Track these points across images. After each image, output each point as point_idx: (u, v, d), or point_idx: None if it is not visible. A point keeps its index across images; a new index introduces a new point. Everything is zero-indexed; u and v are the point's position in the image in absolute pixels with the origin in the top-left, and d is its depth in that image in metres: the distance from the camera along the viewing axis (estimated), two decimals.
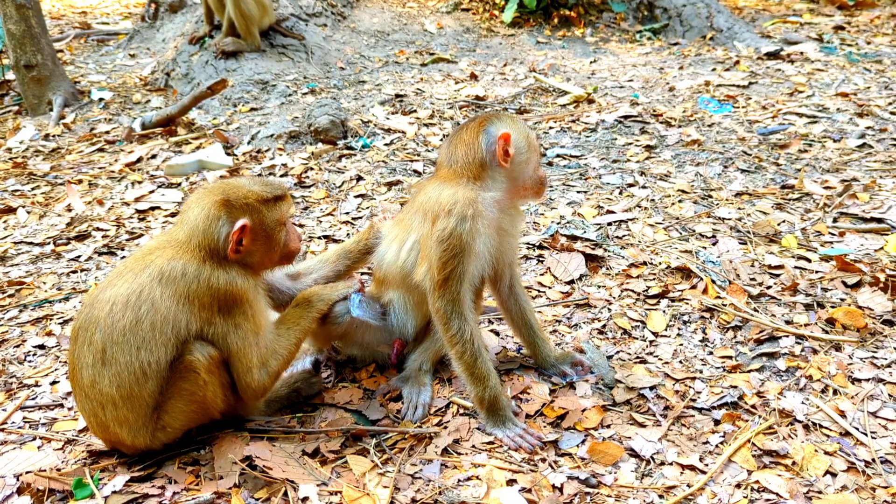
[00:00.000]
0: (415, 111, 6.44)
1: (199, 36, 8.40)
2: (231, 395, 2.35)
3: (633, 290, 3.28)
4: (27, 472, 2.27)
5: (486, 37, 10.02)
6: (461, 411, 2.54)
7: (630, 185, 4.50)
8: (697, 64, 8.01)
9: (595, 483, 2.15)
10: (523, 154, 2.45)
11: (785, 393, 2.54)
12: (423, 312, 2.64)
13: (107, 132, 6.63)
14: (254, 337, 2.27)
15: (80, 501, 2.16)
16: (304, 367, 2.80)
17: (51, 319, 3.41)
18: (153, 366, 2.15)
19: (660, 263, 3.48)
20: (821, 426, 2.37)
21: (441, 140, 5.65)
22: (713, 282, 3.26)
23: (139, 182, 5.26)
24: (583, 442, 2.34)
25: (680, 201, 4.22)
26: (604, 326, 3.04)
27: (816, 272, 3.31)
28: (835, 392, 2.54)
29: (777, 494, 2.08)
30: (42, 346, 3.19)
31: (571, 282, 3.41)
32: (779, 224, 3.84)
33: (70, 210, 4.84)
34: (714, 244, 3.66)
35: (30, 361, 3.09)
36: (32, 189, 5.34)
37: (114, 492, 2.17)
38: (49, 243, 4.32)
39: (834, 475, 2.16)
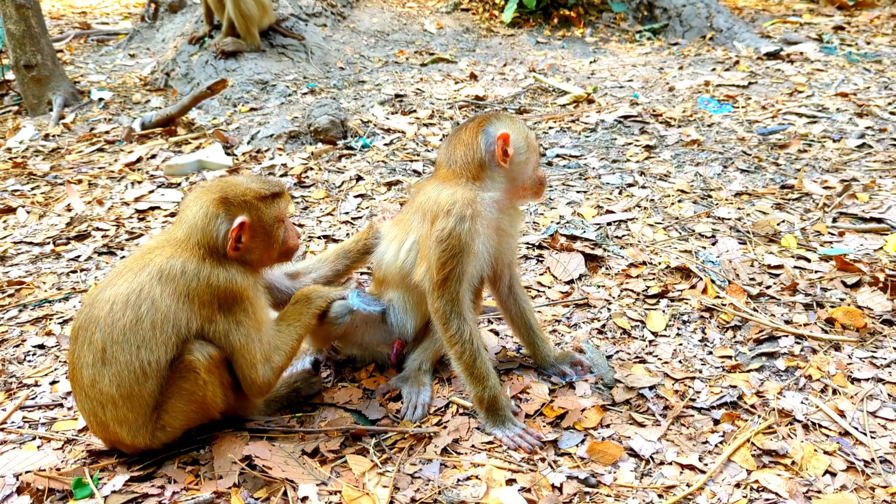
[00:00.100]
0: (414, 111, 6.44)
1: (199, 36, 8.40)
2: (231, 395, 2.35)
3: (632, 290, 3.28)
4: (27, 472, 2.27)
5: (486, 37, 10.02)
6: (461, 411, 2.54)
7: (630, 185, 4.50)
8: (697, 64, 8.01)
9: (594, 483, 2.15)
10: (522, 154, 2.45)
11: (784, 393, 2.54)
12: (423, 312, 2.64)
13: (107, 132, 6.63)
14: (256, 333, 2.27)
15: (79, 501, 2.16)
16: (303, 366, 2.80)
17: (50, 319, 3.41)
18: (153, 365, 2.15)
19: (659, 263, 3.48)
20: (820, 426, 2.38)
21: (440, 140, 5.65)
22: (713, 282, 3.26)
23: (139, 182, 5.26)
24: (582, 442, 2.34)
25: (679, 201, 4.22)
26: (603, 326, 3.04)
27: (816, 272, 3.31)
28: (834, 392, 2.54)
29: (776, 494, 2.08)
30: (42, 346, 3.19)
31: (571, 282, 3.41)
32: (778, 224, 3.84)
33: (70, 210, 4.84)
34: (714, 244, 3.66)
35: (29, 361, 3.09)
36: (32, 189, 5.35)
37: (113, 491, 2.17)
38: (49, 243, 4.32)
39: (833, 475, 2.16)
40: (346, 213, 4.43)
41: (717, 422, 2.42)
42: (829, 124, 5.49)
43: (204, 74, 7.75)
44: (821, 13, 10.38)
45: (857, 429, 2.34)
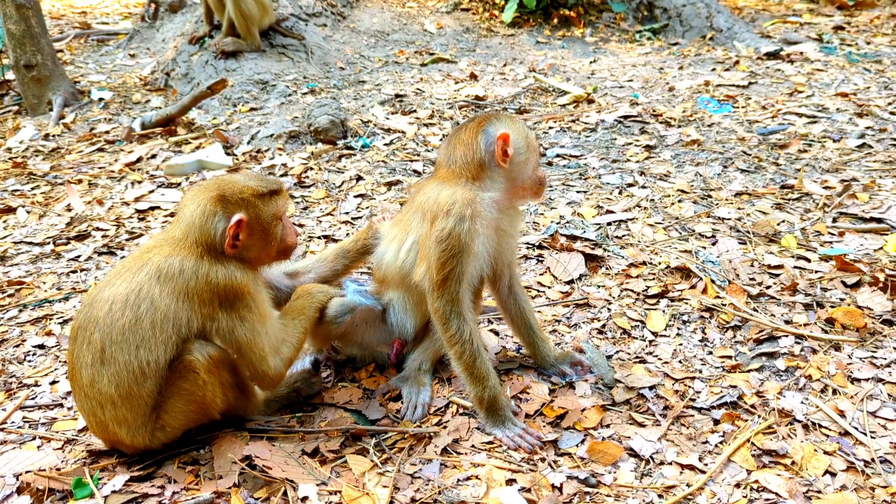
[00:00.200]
0: (414, 111, 6.44)
1: (199, 36, 8.40)
2: (231, 395, 2.35)
3: (632, 290, 3.28)
4: (27, 472, 2.27)
5: (486, 37, 10.02)
6: (461, 411, 2.54)
7: (630, 185, 4.50)
8: (697, 64, 8.01)
9: (594, 483, 2.15)
10: (522, 154, 2.45)
11: (784, 393, 2.54)
12: (423, 312, 2.64)
13: (107, 132, 6.63)
14: (261, 326, 2.28)
15: (79, 501, 2.16)
16: (303, 366, 2.80)
17: (50, 319, 3.41)
18: (152, 365, 2.15)
19: (659, 263, 3.48)
20: (820, 426, 2.38)
21: (440, 140, 5.65)
22: (713, 282, 3.26)
23: (139, 182, 5.26)
24: (582, 441, 2.34)
25: (679, 201, 4.22)
26: (603, 326, 3.04)
27: (816, 272, 3.31)
28: (834, 392, 2.54)
29: (776, 494, 2.08)
30: (42, 346, 3.19)
31: (571, 282, 3.41)
32: (778, 224, 3.84)
33: (70, 210, 4.84)
34: (714, 244, 3.66)
35: (29, 361, 3.09)
36: (32, 189, 5.35)
37: (113, 491, 2.17)
38: (49, 243, 4.32)
39: (833, 475, 2.16)
40: (346, 213, 4.43)
41: (717, 422, 2.42)
42: (829, 124, 5.49)
43: (204, 74, 7.75)
44: (821, 13, 10.38)
45: (857, 429, 2.34)
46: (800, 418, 2.40)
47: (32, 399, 2.79)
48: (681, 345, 2.88)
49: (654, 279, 3.36)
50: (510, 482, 2.17)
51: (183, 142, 6.08)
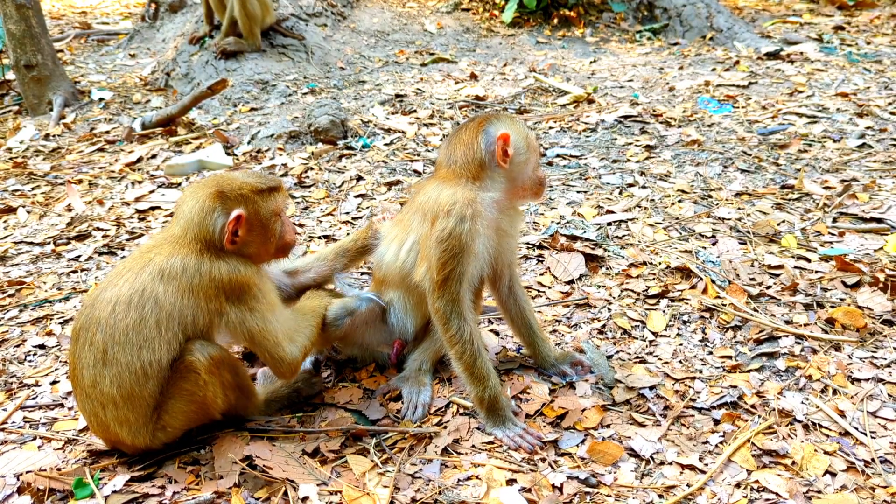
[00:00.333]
0: (415, 111, 6.44)
1: (200, 36, 8.40)
2: (231, 396, 2.35)
3: (632, 290, 3.28)
4: (27, 472, 2.27)
5: (486, 37, 10.02)
6: (461, 411, 2.54)
7: (630, 185, 4.50)
8: (697, 64, 8.01)
9: (595, 483, 2.15)
10: (522, 154, 2.45)
11: (784, 393, 2.55)
12: (423, 312, 2.64)
13: (107, 132, 6.63)
14: (271, 315, 2.29)
15: (80, 501, 2.16)
16: (304, 367, 2.80)
17: (51, 319, 3.42)
18: (154, 366, 2.15)
19: (659, 263, 3.48)
20: (820, 426, 2.38)
21: (440, 140, 5.65)
22: (713, 282, 3.26)
23: (139, 182, 5.26)
24: (582, 442, 2.34)
25: (680, 201, 4.22)
26: (603, 326, 3.04)
27: (816, 272, 3.31)
28: (834, 392, 2.54)
29: (777, 494, 2.08)
30: (42, 346, 3.19)
31: (571, 282, 3.41)
32: (778, 224, 3.84)
33: (70, 210, 4.84)
34: (714, 244, 3.67)
35: (30, 361, 3.09)
36: (32, 189, 5.35)
37: (114, 491, 2.17)
38: (49, 243, 4.33)
39: (833, 475, 2.16)
40: (347, 213, 4.43)
41: (717, 422, 2.42)
42: (829, 124, 5.49)
43: (204, 74, 7.76)
44: (821, 13, 10.38)
45: (857, 429, 2.34)
46: (800, 418, 2.40)
47: (33, 399, 2.79)
48: (681, 345, 2.88)
49: (654, 279, 3.36)
50: (510, 482, 2.17)
51: (183, 142, 6.08)
